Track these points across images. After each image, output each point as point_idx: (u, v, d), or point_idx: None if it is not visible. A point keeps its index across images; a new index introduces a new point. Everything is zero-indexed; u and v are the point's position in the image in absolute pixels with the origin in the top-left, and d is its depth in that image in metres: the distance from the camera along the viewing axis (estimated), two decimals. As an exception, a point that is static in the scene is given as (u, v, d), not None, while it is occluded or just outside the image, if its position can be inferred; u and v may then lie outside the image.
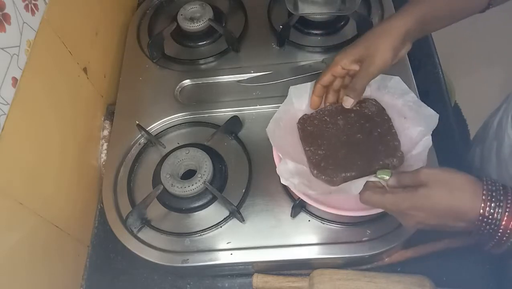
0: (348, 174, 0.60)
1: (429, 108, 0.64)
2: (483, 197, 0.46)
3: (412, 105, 0.65)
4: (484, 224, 0.46)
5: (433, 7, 0.60)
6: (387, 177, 0.53)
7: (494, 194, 0.46)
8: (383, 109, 0.67)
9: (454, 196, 0.47)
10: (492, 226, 0.46)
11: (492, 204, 0.45)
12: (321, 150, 0.64)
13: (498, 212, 0.45)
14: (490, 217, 0.45)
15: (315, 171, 0.62)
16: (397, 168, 0.61)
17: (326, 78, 0.63)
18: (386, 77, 0.67)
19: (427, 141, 0.61)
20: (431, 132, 0.61)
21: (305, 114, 0.68)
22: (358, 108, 0.66)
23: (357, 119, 0.66)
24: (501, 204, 0.45)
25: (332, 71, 0.62)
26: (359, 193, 0.54)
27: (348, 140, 0.64)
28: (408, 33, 0.59)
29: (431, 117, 0.63)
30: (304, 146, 0.65)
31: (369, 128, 0.65)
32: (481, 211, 0.46)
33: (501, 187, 0.47)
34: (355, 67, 0.61)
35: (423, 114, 0.64)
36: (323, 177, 0.61)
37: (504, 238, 0.46)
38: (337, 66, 0.62)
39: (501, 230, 0.45)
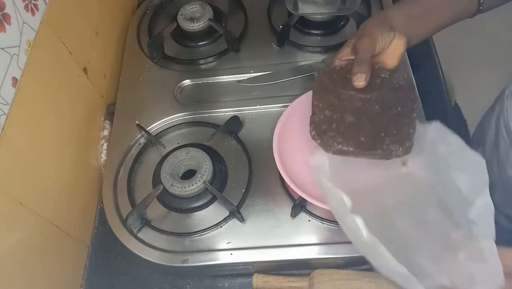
0: (346, 148, 0.55)
1: (473, 152, 0.53)
2: None
3: (456, 150, 0.54)
4: None
5: (422, 5, 0.61)
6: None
7: None
8: (414, 88, 0.60)
9: None
10: None
11: None
12: (328, 110, 0.57)
13: None
14: None
15: (313, 132, 0.57)
16: (400, 158, 0.56)
17: None
18: (424, 125, 0.57)
19: (485, 201, 0.50)
20: (487, 189, 0.50)
21: (328, 68, 0.62)
22: (387, 76, 0.60)
23: (381, 86, 0.59)
24: None
25: (335, 65, 0.62)
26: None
27: (362, 108, 0.58)
28: (391, 18, 0.59)
29: (478, 163, 0.52)
30: (314, 100, 0.59)
31: (390, 102, 0.58)
32: None
33: None
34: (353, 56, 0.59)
35: (468, 160, 0.53)
36: (318, 141, 0.57)
37: None
38: (335, 60, 0.62)
39: None
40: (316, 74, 0.61)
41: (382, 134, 0.56)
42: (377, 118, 0.57)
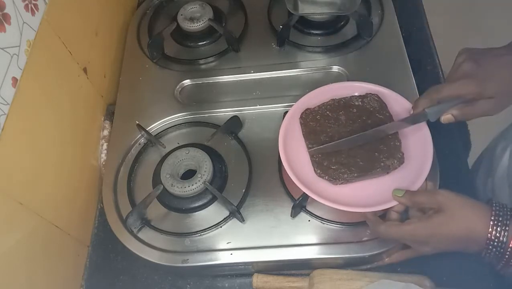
0: (351, 176, 0.62)
1: None
2: (491, 222, 0.49)
3: None
4: (491, 246, 0.49)
5: None
6: (401, 195, 0.55)
7: (501, 218, 0.49)
8: (385, 105, 0.67)
9: (468, 222, 0.50)
10: (499, 249, 0.49)
11: (499, 228, 0.48)
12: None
13: (504, 236, 0.48)
14: (497, 240, 0.48)
15: (319, 171, 0.63)
16: (397, 168, 0.62)
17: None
18: None
19: None
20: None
21: (308, 109, 0.68)
22: (360, 103, 0.67)
23: (359, 115, 0.66)
24: (507, 228, 0.48)
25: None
26: (375, 227, 0.57)
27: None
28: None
29: None
30: (307, 144, 0.65)
31: (370, 125, 0.65)
32: (488, 235, 0.49)
33: (508, 212, 0.49)
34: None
35: None
36: (325, 177, 0.62)
37: None
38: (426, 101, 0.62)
39: (508, 252, 0.48)
40: (300, 119, 0.67)
41: (376, 154, 0.63)
42: (366, 142, 0.64)
